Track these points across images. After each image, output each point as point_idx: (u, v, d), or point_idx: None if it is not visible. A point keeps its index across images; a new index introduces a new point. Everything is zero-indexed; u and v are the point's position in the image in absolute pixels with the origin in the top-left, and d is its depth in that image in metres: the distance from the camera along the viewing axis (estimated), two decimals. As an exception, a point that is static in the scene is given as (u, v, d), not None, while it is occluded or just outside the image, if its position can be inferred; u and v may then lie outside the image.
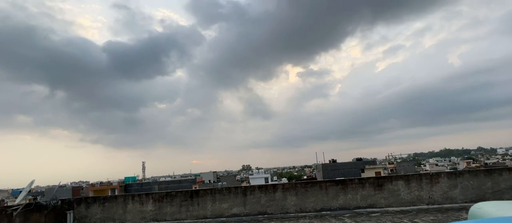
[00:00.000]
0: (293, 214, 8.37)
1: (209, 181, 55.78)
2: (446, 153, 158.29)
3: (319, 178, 44.79)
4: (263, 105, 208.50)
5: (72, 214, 8.95)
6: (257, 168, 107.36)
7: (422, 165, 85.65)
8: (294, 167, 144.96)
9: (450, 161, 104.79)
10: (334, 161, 49.76)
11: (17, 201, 8.25)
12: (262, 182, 46.87)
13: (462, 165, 77.24)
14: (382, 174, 39.51)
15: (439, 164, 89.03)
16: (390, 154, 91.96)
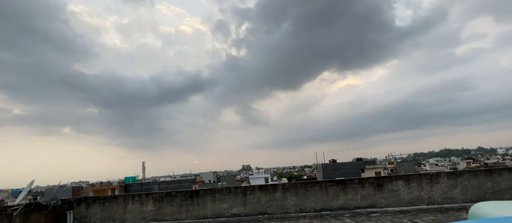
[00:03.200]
0: (293, 214, 8.37)
1: (209, 181, 55.76)
2: (446, 153, 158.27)
3: (319, 178, 44.77)
4: (261, 116, 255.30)
5: (72, 214, 8.95)
6: (257, 168, 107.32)
7: (422, 165, 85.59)
8: (294, 167, 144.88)
9: (450, 161, 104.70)
10: (334, 161, 49.72)
11: (17, 201, 8.25)
12: (262, 182, 46.87)
13: (462, 165, 77.21)
14: (382, 174, 39.50)
15: (439, 164, 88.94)
16: (390, 154, 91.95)
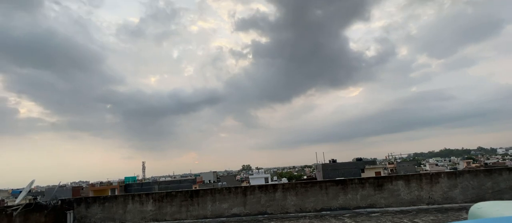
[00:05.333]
0: (293, 214, 8.37)
1: (209, 181, 55.78)
2: (446, 153, 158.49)
3: (319, 178, 44.75)
4: (260, 122, 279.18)
5: (72, 214, 8.96)
6: (257, 168, 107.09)
7: (422, 165, 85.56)
8: (294, 167, 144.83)
9: (450, 161, 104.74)
10: (334, 161, 49.72)
11: (17, 201, 8.25)
12: (262, 182, 46.86)
13: (462, 165, 77.19)
14: (382, 174, 39.49)
15: (439, 164, 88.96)
16: (390, 154, 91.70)
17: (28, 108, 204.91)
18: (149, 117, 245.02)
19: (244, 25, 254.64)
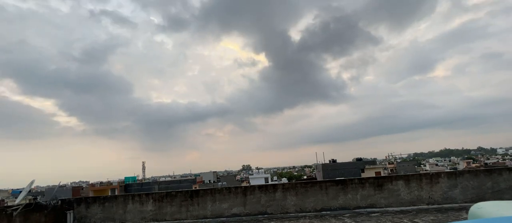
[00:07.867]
0: (293, 214, 8.37)
1: (209, 181, 55.74)
2: (446, 153, 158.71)
3: (319, 178, 44.72)
4: (259, 127, 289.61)
5: (72, 214, 8.96)
6: (257, 168, 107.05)
7: (422, 165, 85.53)
8: (294, 167, 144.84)
9: (450, 161, 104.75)
10: (334, 161, 49.72)
11: (17, 201, 8.26)
12: (262, 182, 46.83)
13: (462, 165, 77.17)
14: (382, 174, 39.49)
15: (439, 164, 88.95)
16: (390, 154, 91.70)
17: (66, 120, 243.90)
18: (162, 124, 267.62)
19: (239, 65, 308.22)
